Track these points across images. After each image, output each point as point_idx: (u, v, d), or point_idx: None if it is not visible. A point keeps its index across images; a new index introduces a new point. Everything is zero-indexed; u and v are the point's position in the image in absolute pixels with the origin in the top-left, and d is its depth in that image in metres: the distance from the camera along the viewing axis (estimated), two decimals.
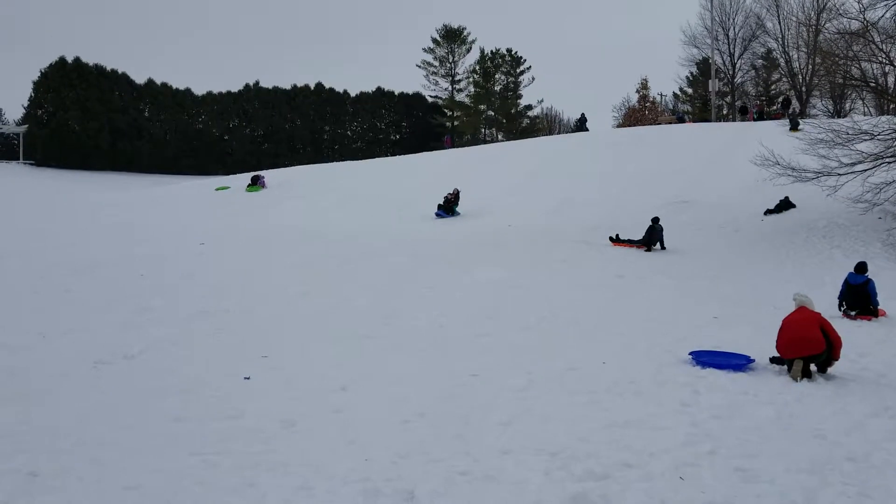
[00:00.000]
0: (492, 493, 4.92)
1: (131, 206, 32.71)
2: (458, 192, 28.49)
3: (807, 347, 8.21)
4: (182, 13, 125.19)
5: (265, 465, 5.38)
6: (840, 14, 25.70)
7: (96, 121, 58.43)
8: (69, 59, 60.31)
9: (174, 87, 64.97)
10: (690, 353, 9.08)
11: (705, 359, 8.87)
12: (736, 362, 8.73)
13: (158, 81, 64.22)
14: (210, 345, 9.63)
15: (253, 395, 7.31)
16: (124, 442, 5.95)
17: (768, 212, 22.64)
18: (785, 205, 22.57)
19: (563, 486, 5.03)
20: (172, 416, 6.66)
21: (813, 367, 8.34)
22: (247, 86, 66.98)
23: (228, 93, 66.43)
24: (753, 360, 8.80)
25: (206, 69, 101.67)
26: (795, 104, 47.98)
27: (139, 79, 63.50)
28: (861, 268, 13.14)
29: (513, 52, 70.71)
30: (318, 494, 4.87)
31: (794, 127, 30.16)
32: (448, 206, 27.91)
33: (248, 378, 7.91)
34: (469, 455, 5.62)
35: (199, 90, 66.35)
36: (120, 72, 62.40)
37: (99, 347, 9.36)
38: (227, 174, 46.38)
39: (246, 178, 37.64)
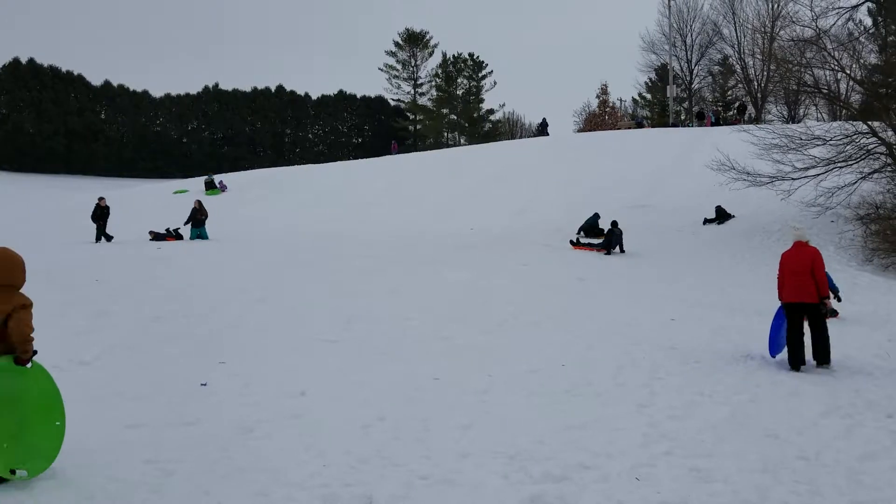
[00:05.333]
0: (450, 497, 4.92)
1: (87, 210, 32.09)
2: (200, 206, 23.99)
3: (803, 295, 8.94)
4: (140, 14, 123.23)
5: (221, 471, 5.30)
6: (793, 22, 26.38)
7: (51, 123, 57.35)
8: (23, 59, 59.07)
9: (131, 88, 64.08)
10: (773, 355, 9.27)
11: (774, 348, 9.24)
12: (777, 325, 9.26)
13: (115, 83, 63.32)
14: (167, 351, 9.47)
15: (210, 401, 7.20)
16: (77, 449, 5.82)
17: (707, 221, 23.06)
18: (722, 214, 22.98)
19: (521, 488, 5.05)
20: (127, 422, 6.53)
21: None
22: (206, 88, 66.33)
23: (187, 95, 65.69)
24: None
25: (163, 71, 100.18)
26: (751, 109, 48.91)
27: (95, 80, 62.56)
28: None
29: (475, 57, 71.11)
30: (276, 501, 4.82)
31: None
32: (198, 222, 23.58)
33: (205, 384, 7.80)
34: (429, 459, 5.61)
35: (156, 92, 65.59)
36: (76, 73, 61.39)
37: (53, 353, 9.07)
38: (186, 177, 45.84)
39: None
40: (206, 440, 6.06)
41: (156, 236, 22.98)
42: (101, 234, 22.66)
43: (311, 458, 5.60)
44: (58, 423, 5.26)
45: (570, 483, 5.17)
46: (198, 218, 23.48)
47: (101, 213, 22.91)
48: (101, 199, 23.37)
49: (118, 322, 11.23)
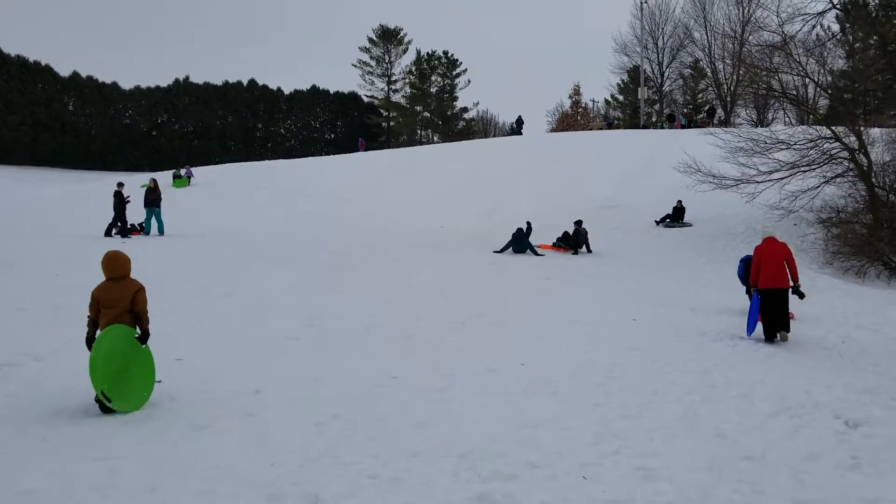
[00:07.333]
0: (397, 496, 4.93)
1: (52, 203, 31.65)
2: (155, 185, 23.12)
3: (778, 282, 10.67)
4: (110, 4, 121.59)
5: (169, 468, 5.27)
6: (761, 27, 26.72)
7: (17, 114, 56.32)
8: None
9: (100, 80, 63.14)
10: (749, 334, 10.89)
11: (750, 328, 10.83)
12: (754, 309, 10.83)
13: (84, 74, 62.37)
14: None
15: (164, 397, 7.15)
16: (26, 445, 5.76)
17: (660, 221, 23.39)
18: (679, 213, 23.36)
19: (469, 487, 5.08)
20: (78, 419, 6.48)
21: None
22: (176, 80, 65.55)
23: (157, 87, 64.91)
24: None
25: (133, 63, 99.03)
26: (720, 112, 49.47)
27: (63, 71, 61.56)
28: None
29: (449, 55, 71.12)
30: (221, 499, 4.79)
31: None
32: (150, 201, 22.59)
33: (160, 381, 7.73)
34: (379, 458, 5.62)
35: (126, 84, 64.73)
36: (43, 63, 60.32)
37: (7, 349, 9.03)
38: (155, 170, 45.35)
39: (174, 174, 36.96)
40: (157, 437, 6.02)
41: (120, 231, 22.66)
42: (117, 224, 22.05)
43: (260, 456, 5.58)
44: (145, 394, 7.00)
45: (518, 482, 5.20)
46: (150, 198, 22.68)
47: (123, 202, 22.10)
48: (120, 184, 22.85)
49: (77, 316, 11.06)
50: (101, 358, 6.61)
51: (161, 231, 22.59)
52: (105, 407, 6.63)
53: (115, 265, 6.98)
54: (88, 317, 6.94)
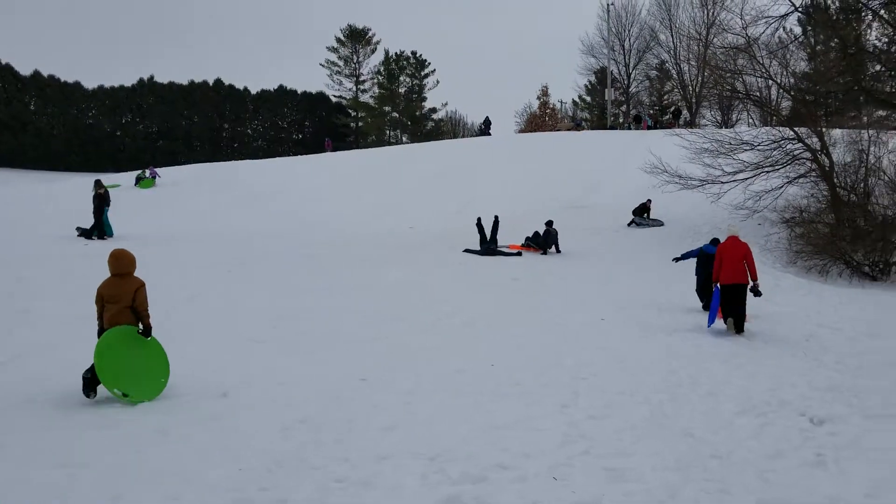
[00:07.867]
0: (365, 500, 4.89)
1: (11, 203, 30.97)
2: (105, 192, 21.94)
3: (737, 278, 11.41)
4: (72, 2, 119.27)
5: (133, 475, 5.17)
6: (725, 30, 27.10)
7: None
8: None
9: (62, 79, 61.96)
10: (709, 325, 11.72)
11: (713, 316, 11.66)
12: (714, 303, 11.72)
13: (45, 73, 61.16)
14: (87, 351, 9.17)
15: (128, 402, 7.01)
16: None
17: (634, 219, 23.67)
18: (643, 210, 23.67)
19: (438, 489, 5.06)
20: (40, 425, 6.33)
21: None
22: (141, 80, 64.55)
23: (121, 87, 63.87)
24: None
25: (97, 62, 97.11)
26: (686, 113, 50.02)
27: (24, 70, 60.33)
28: (715, 241, 13.63)
29: (417, 55, 71.00)
30: None
31: None
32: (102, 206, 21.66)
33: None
34: (347, 461, 5.57)
35: (89, 84, 63.58)
36: (3, 62, 59.11)
37: None
38: (119, 171, 44.69)
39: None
40: (122, 443, 5.91)
41: (83, 232, 22.25)
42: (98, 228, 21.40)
43: (226, 460, 5.50)
44: (162, 380, 7.40)
45: (488, 484, 5.19)
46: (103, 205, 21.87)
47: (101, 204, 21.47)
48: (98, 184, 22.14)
49: (39, 321, 10.89)
50: (105, 363, 7.01)
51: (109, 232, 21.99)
52: (89, 388, 7.09)
53: (121, 262, 7.45)
54: (97, 311, 7.41)
